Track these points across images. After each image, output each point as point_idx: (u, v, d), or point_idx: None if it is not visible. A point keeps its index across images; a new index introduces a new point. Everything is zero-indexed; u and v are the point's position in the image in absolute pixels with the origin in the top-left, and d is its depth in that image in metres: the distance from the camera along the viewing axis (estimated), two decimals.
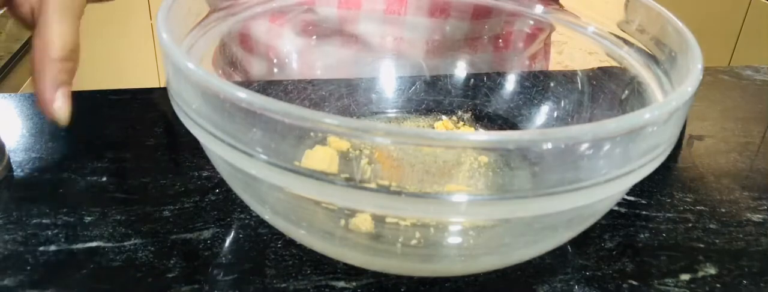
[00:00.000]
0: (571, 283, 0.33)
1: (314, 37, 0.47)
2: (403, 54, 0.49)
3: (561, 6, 0.42)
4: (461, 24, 0.49)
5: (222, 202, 0.37)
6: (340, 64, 0.49)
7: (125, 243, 0.34)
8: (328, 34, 0.48)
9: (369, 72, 0.48)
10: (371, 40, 0.49)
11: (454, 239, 0.32)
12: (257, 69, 0.48)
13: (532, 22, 0.46)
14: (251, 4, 0.40)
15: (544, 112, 0.43)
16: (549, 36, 0.55)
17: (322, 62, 0.47)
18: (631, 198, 0.39)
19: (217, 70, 0.41)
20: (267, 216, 0.31)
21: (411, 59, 0.49)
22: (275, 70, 0.48)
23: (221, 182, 0.39)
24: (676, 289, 0.33)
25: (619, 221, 0.37)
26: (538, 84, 0.44)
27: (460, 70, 0.48)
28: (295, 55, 0.47)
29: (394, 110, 0.46)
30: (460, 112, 0.46)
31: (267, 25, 0.46)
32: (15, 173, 0.39)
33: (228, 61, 0.42)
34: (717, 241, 0.36)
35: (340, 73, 0.47)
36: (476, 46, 0.49)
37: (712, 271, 0.34)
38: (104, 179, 0.39)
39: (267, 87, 0.44)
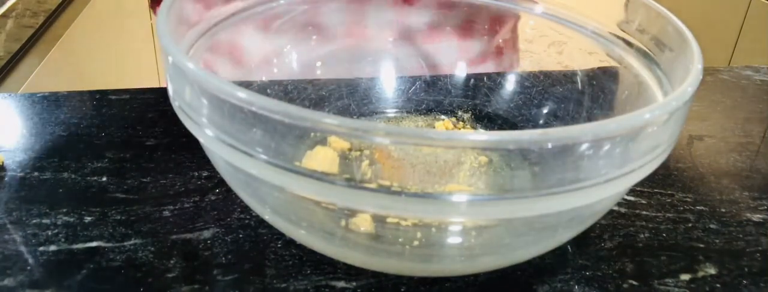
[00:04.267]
0: (571, 283, 0.33)
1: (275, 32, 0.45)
2: (364, 44, 0.48)
3: None
4: (425, 11, 0.49)
5: (222, 202, 0.37)
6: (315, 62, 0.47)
7: (125, 243, 0.34)
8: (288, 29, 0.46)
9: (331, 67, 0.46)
10: (335, 31, 0.47)
11: (454, 239, 0.32)
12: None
13: (497, 12, 0.46)
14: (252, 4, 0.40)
15: (544, 112, 0.43)
16: (516, 26, 0.55)
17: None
18: (631, 198, 0.39)
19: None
20: (267, 216, 0.31)
21: (375, 50, 0.47)
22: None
23: (221, 182, 0.39)
24: (676, 289, 0.33)
25: (619, 221, 0.37)
26: (538, 84, 0.44)
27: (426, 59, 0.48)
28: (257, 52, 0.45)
29: (394, 110, 0.46)
30: (460, 113, 0.46)
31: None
32: (15, 173, 0.39)
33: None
34: (717, 241, 0.36)
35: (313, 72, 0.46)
36: (439, 34, 0.49)
37: (712, 271, 0.34)
38: (104, 179, 0.39)
39: (267, 87, 0.43)
